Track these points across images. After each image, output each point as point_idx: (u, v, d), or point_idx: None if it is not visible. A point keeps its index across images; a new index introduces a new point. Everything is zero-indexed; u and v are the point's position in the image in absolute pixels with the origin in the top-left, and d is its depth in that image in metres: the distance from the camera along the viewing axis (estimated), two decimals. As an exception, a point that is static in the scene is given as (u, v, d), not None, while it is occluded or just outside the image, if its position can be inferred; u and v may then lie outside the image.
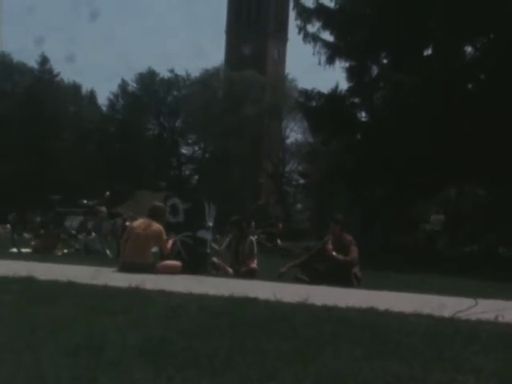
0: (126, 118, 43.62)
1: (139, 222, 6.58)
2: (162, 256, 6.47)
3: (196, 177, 47.85)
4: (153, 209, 6.63)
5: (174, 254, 6.66)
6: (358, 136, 18.59)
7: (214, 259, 7.19)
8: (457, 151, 14.45)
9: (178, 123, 47.22)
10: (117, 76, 73.19)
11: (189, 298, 3.78)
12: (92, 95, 46.26)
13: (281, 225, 19.90)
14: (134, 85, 46.20)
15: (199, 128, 44.34)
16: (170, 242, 6.54)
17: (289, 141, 45.48)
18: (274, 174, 42.78)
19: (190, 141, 47.59)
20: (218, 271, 7.01)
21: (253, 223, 22.88)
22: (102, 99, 47.71)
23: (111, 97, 46.09)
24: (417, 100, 14.55)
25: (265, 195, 42.17)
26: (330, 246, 6.34)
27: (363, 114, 18.77)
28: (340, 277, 6.05)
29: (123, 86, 46.15)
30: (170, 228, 6.65)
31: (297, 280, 6.30)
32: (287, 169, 46.00)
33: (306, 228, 33.04)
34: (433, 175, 15.13)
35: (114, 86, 49.33)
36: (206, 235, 7.12)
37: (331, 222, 6.64)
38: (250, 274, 6.77)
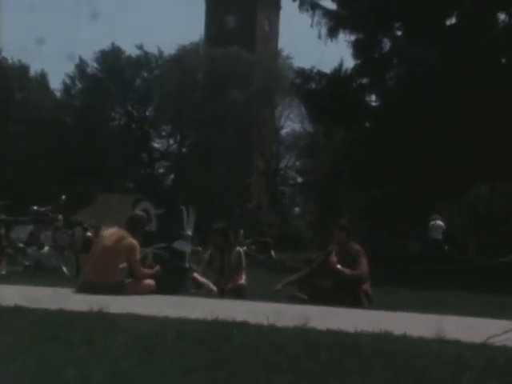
0: (86, 105, 43.47)
1: (110, 232, 6.56)
2: (133, 275, 6.44)
3: (171, 176, 47.88)
4: (133, 219, 6.61)
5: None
6: (367, 124, 18.70)
7: (195, 275, 7.19)
8: (487, 141, 14.58)
9: (148, 111, 47.21)
10: (73, 54, 72.65)
11: (164, 323, 3.77)
12: (43, 78, 46.09)
13: (273, 233, 19.91)
14: (95, 65, 46.14)
15: (174, 117, 44.31)
16: (149, 272, 6.47)
17: (284, 131, 45.70)
18: (267, 172, 42.88)
19: (163, 133, 47.63)
20: (199, 290, 7.01)
21: (241, 231, 23.09)
22: (55, 83, 47.72)
23: (66, 80, 46.04)
24: (438, 80, 14.62)
25: (255, 197, 42.28)
26: (334, 258, 6.36)
27: (373, 98, 18.90)
28: (347, 295, 6.06)
29: (81, 66, 46.00)
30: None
31: (294, 299, 6.31)
32: (282, 165, 46.15)
33: (305, 236, 33.19)
34: (457, 169, 15.26)
35: (69, 67, 49.27)
36: (185, 246, 7.11)
37: (335, 228, 6.66)
38: (238, 293, 6.78)
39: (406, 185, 17.33)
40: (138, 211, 6.88)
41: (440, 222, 17.57)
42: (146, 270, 6.48)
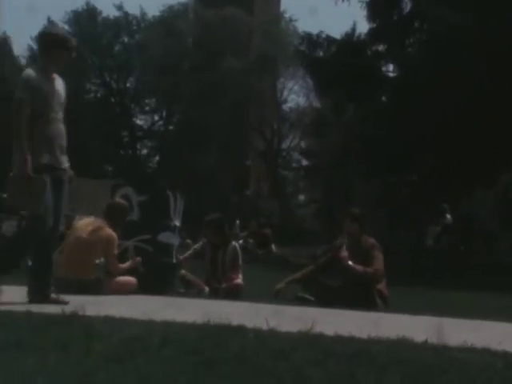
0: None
1: (85, 223, 6.57)
2: (109, 272, 6.46)
3: (157, 158, 47.79)
4: (112, 207, 6.62)
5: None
6: (384, 98, 18.65)
7: (183, 272, 7.22)
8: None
9: (129, 83, 46.96)
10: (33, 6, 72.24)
11: (149, 327, 3.78)
12: (5, 42, 45.81)
13: (273, 224, 19.92)
14: (67, 27, 45.85)
15: (160, 90, 44.13)
16: (127, 265, 6.51)
17: (286, 106, 45.53)
18: (267, 153, 42.81)
19: (147, 108, 47.41)
20: (188, 289, 7.05)
21: (237, 222, 23.15)
22: (20, 48, 47.43)
23: (33, 45, 45.74)
24: (469, 46, 14.52)
25: (254, 183, 42.31)
26: (344, 253, 6.38)
27: (390, 67, 18.84)
28: (359, 296, 6.10)
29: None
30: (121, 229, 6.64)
31: (299, 300, 6.37)
32: (285, 145, 46.06)
33: (310, 228, 33.26)
34: (489, 153, 15.26)
35: (36, 29, 48.87)
36: (172, 239, 7.14)
37: (346, 219, 6.68)
38: (234, 293, 6.82)
39: (430, 170, 17.33)
40: (118, 198, 6.89)
41: (447, 215, 17.79)
42: (123, 266, 6.49)
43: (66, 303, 4.83)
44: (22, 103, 4.89)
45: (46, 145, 5.01)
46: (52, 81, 5.14)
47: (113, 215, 6.54)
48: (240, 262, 7.35)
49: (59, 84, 5.24)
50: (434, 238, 17.62)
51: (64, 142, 5.24)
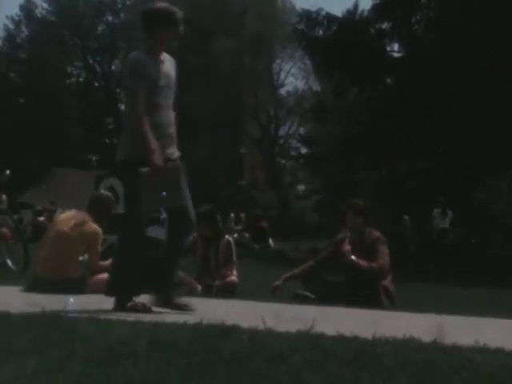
0: (34, 57, 43.09)
1: (67, 216, 6.55)
2: (91, 270, 6.44)
3: (144, 146, 47.82)
4: (96, 200, 6.60)
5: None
6: (389, 80, 18.64)
7: (173, 269, 7.21)
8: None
9: (114, 65, 46.85)
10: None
11: (136, 329, 3.77)
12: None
13: (270, 217, 19.88)
14: (45, 5, 45.71)
15: (147, 72, 44.09)
16: (108, 263, 6.48)
17: (284, 90, 45.52)
18: (263, 141, 42.81)
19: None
20: (179, 287, 7.03)
21: (231, 215, 23.19)
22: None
23: (9, 25, 45.59)
24: (482, 22, 14.49)
25: (249, 173, 42.29)
26: (347, 247, 6.38)
27: (396, 47, 18.82)
28: (363, 293, 6.10)
29: (28, 7, 45.52)
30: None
31: (298, 298, 6.36)
32: (282, 132, 46.08)
33: (311, 221, 33.31)
34: (502, 139, 15.27)
35: (12, 8, 48.71)
36: (160, 233, 7.10)
37: (349, 211, 6.68)
38: (228, 291, 6.84)
39: (439, 159, 17.36)
40: (103, 190, 6.87)
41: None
42: (105, 263, 6.47)
43: (190, 310, 4.79)
44: (138, 92, 4.68)
45: (157, 134, 4.73)
46: (161, 63, 4.91)
47: (97, 208, 6.51)
48: (234, 257, 7.34)
49: (168, 66, 5.01)
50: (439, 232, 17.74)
51: (174, 130, 5.02)
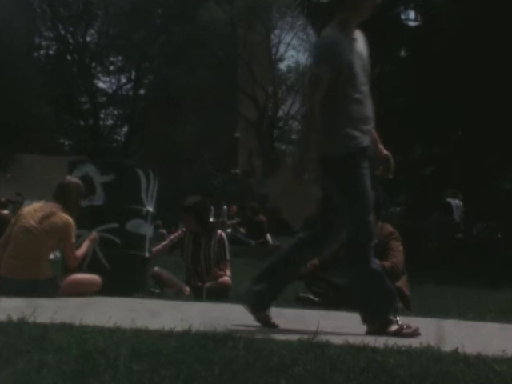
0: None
1: (34, 208, 6.54)
2: (67, 268, 6.44)
3: (124, 129, 47.72)
4: (64, 187, 6.59)
5: (88, 263, 6.64)
6: (403, 52, 18.59)
7: (158, 269, 7.22)
8: None
9: (90, 37, 46.74)
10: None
11: (115, 337, 3.77)
12: None
13: (269, 210, 19.87)
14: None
15: (128, 45, 43.89)
16: (84, 248, 6.51)
17: (283, 65, 45.57)
18: (260, 123, 42.78)
19: (111, 67, 47.26)
20: (164, 289, 7.05)
21: (224, 207, 23.17)
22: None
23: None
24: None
25: (244, 159, 42.26)
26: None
27: (411, 15, 18.76)
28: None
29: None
30: (81, 216, 6.62)
31: (300, 301, 6.38)
32: (282, 113, 46.10)
33: (315, 214, 33.27)
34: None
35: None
36: (143, 228, 7.12)
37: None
38: (220, 293, 6.86)
39: (459, 144, 17.32)
40: (72, 178, 6.84)
41: (458, 201, 17.98)
42: (78, 252, 6.49)
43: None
44: (319, 81, 4.34)
45: (358, 125, 4.46)
46: (355, 42, 4.51)
47: (65, 197, 6.49)
48: (228, 255, 7.35)
49: (362, 45, 4.62)
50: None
51: (372, 121, 4.68)
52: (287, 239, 18.21)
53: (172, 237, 7.73)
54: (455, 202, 18.27)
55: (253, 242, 16.23)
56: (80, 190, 6.65)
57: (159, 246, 7.57)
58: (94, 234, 6.66)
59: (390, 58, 17.89)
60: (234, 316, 5.05)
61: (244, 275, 8.50)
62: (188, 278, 7.29)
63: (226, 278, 7.10)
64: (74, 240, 6.39)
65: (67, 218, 6.35)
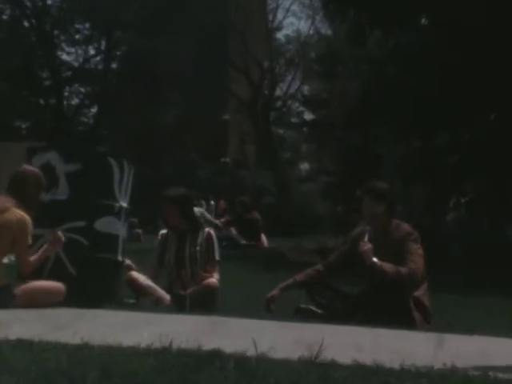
0: None
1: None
2: (22, 274, 6.42)
3: (93, 109, 47.61)
4: (18, 178, 6.57)
5: (50, 268, 6.62)
6: (423, 20, 18.60)
7: (134, 275, 7.21)
8: None
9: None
10: None
11: (82, 354, 3.77)
12: None
13: (263, 205, 19.89)
14: None
15: (97, 10, 43.77)
16: (42, 253, 6.48)
17: (282, 34, 45.49)
18: (254, 104, 42.74)
19: (77, 36, 47.08)
20: (141, 298, 7.04)
21: (211, 203, 23.14)
22: None
23: None
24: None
25: (235, 147, 42.22)
26: (366, 246, 6.37)
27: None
28: (387, 307, 6.10)
29: None
30: (41, 213, 6.60)
31: (300, 314, 6.39)
32: (280, 92, 46.06)
33: (318, 211, 33.35)
34: None
35: None
36: (116, 227, 7.12)
37: (367, 197, 6.67)
38: (205, 298, 6.82)
39: (491, 128, 17.33)
40: (29, 166, 6.82)
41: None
42: (33, 257, 6.45)
43: None
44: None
45: None
46: None
47: (20, 189, 6.47)
48: (217, 255, 7.34)
49: None
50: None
51: None
52: (285, 241, 18.31)
53: (155, 251, 7.64)
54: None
55: (245, 242, 16.23)
56: (39, 182, 6.62)
57: (148, 270, 7.47)
58: (59, 234, 6.61)
59: (407, 26, 17.87)
60: (222, 329, 5.05)
61: (235, 282, 8.53)
62: (170, 284, 7.28)
63: (212, 280, 7.06)
64: (29, 241, 6.37)
65: (22, 214, 6.33)
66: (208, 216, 16.54)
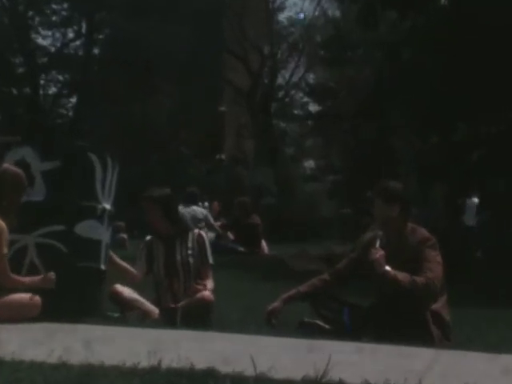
0: None
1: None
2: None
3: (73, 99, 47.58)
4: None
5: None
6: (443, 1, 18.61)
7: (118, 287, 7.20)
8: None
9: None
10: None
11: (60, 375, 3.76)
12: None
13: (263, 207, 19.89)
14: None
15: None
16: (28, 281, 6.46)
17: (284, 17, 45.43)
18: (254, 94, 42.75)
19: (55, 18, 47.07)
20: (126, 312, 7.03)
21: (205, 204, 23.12)
22: None
23: None
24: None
25: (232, 141, 42.22)
26: (378, 253, 6.37)
27: None
28: (402, 321, 6.10)
29: None
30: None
31: (304, 328, 6.38)
32: (281, 81, 46.04)
33: (324, 214, 33.34)
34: None
35: None
36: (98, 232, 7.10)
37: (379, 198, 6.66)
38: (198, 312, 6.83)
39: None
40: (8, 164, 6.82)
41: (475, 200, 18.14)
42: (20, 279, 6.44)
43: None
44: None
45: None
46: None
47: None
48: (210, 259, 7.34)
49: None
50: None
51: None
52: (287, 247, 18.31)
53: (139, 258, 7.63)
54: (472, 201, 18.41)
55: (243, 249, 16.18)
56: (19, 182, 6.60)
57: (135, 274, 7.47)
58: (51, 274, 6.53)
59: (424, 6, 17.92)
60: (217, 345, 5.05)
61: (232, 293, 8.53)
62: (158, 297, 7.27)
63: (206, 293, 7.04)
64: (5, 251, 6.36)
65: (1, 224, 6.33)
66: (211, 220, 16.47)
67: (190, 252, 7.28)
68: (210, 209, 22.32)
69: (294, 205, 33.78)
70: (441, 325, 6.32)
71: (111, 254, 7.33)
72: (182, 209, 12.23)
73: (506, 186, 18.70)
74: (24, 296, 6.42)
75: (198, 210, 16.08)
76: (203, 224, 14.82)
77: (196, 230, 7.56)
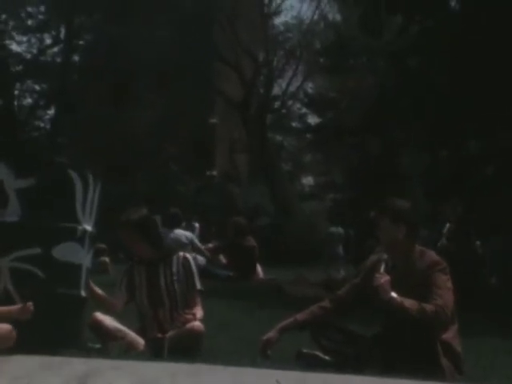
0: None
1: None
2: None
3: (50, 111, 47.59)
4: None
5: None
6: (453, 2, 18.68)
7: (99, 316, 7.20)
8: None
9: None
10: None
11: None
12: None
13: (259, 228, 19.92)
14: None
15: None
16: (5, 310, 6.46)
17: (281, 21, 45.60)
18: (247, 104, 42.80)
19: (30, 22, 47.12)
20: (108, 343, 7.02)
21: (196, 225, 23.17)
22: None
23: None
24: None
25: (225, 156, 42.27)
26: (384, 279, 6.37)
27: None
28: (410, 352, 6.10)
29: None
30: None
31: (303, 360, 6.38)
32: (278, 90, 46.12)
33: (324, 236, 33.31)
34: None
35: None
36: (78, 255, 7.09)
37: (384, 217, 6.67)
38: (188, 344, 6.83)
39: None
40: None
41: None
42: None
43: None
44: None
45: None
46: None
47: None
48: (198, 284, 7.34)
49: None
50: None
51: None
52: (284, 271, 18.31)
53: (118, 288, 7.62)
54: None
55: (235, 274, 16.10)
56: None
57: (114, 302, 7.47)
58: (29, 304, 6.51)
59: (433, 9, 17.98)
60: (207, 379, 5.04)
61: (223, 322, 8.52)
62: (143, 326, 7.26)
63: (196, 324, 7.05)
64: None
65: None
66: (198, 243, 16.45)
67: (175, 278, 7.27)
68: (202, 231, 22.28)
69: (291, 225, 33.76)
70: (452, 356, 6.32)
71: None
72: (163, 233, 12.16)
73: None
74: (-2, 326, 6.40)
75: (182, 233, 16.06)
76: (189, 249, 14.79)
77: (181, 253, 7.53)
